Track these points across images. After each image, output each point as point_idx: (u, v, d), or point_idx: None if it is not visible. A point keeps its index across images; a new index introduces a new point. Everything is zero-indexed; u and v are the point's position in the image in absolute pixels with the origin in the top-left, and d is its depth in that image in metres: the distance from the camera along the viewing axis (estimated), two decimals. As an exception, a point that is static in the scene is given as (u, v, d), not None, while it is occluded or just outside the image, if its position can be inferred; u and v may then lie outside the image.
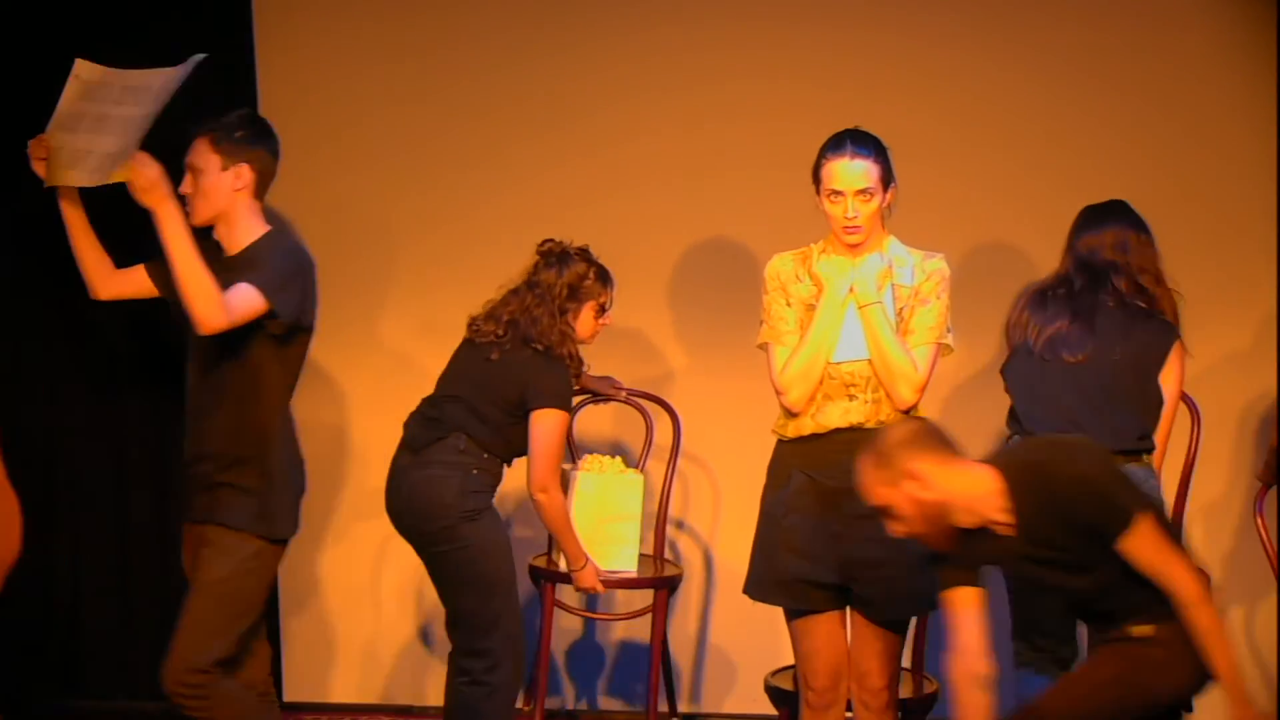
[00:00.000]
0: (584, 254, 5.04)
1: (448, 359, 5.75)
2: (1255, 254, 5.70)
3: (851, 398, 4.22)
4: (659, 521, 5.60)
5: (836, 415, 4.23)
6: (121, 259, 4.72)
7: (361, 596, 6.17)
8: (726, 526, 5.98)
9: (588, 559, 5.08)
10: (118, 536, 6.17)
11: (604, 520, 5.21)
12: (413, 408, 5.64)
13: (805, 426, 4.26)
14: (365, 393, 6.13)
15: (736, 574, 5.69)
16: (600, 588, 5.15)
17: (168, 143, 5.96)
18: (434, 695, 5.92)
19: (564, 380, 4.94)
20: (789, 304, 4.30)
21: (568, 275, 4.98)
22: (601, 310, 5.03)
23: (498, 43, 5.98)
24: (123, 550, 6.17)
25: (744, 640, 5.89)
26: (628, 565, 5.23)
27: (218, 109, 5.96)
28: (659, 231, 5.94)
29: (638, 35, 5.92)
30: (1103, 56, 5.77)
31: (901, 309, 4.26)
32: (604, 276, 5.04)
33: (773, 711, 4.97)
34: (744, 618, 5.61)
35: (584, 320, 5.00)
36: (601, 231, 5.75)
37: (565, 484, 5.17)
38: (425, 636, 6.08)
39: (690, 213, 5.91)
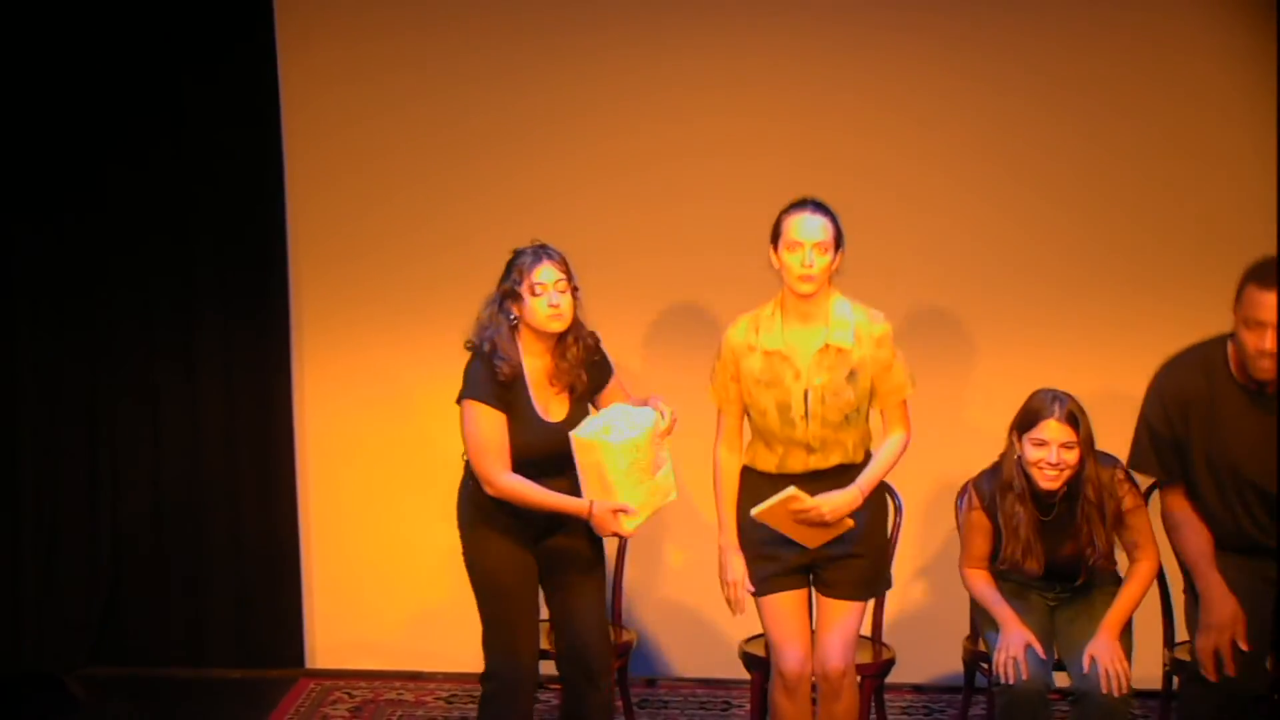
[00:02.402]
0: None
1: (446, 340, 5.79)
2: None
3: (810, 452, 4.70)
4: (614, 586, 5.38)
5: (798, 464, 4.71)
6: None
7: (378, 573, 6.29)
8: (707, 501, 5.93)
9: (592, 503, 4.62)
10: (154, 522, 6.28)
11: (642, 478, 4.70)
12: (428, 387, 5.84)
13: (770, 467, 4.75)
14: (377, 373, 6.23)
15: (711, 544, 5.85)
16: (623, 527, 4.63)
17: (179, 144, 6.12)
18: (438, 662, 6.20)
19: (476, 371, 4.67)
20: (735, 378, 4.72)
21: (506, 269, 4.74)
22: (530, 293, 4.65)
23: (511, 52, 6.06)
24: (158, 529, 6.28)
25: (719, 609, 5.87)
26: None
27: (240, 106, 6.08)
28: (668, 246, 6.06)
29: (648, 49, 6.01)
30: (1081, 89, 5.85)
31: (852, 370, 4.64)
32: (533, 253, 4.68)
33: (745, 676, 5.16)
34: (715, 590, 5.75)
35: (529, 308, 4.66)
36: (608, 241, 6.00)
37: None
38: (429, 608, 6.20)
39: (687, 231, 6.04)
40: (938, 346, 5.93)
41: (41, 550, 6.23)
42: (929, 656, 5.93)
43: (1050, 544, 4.70)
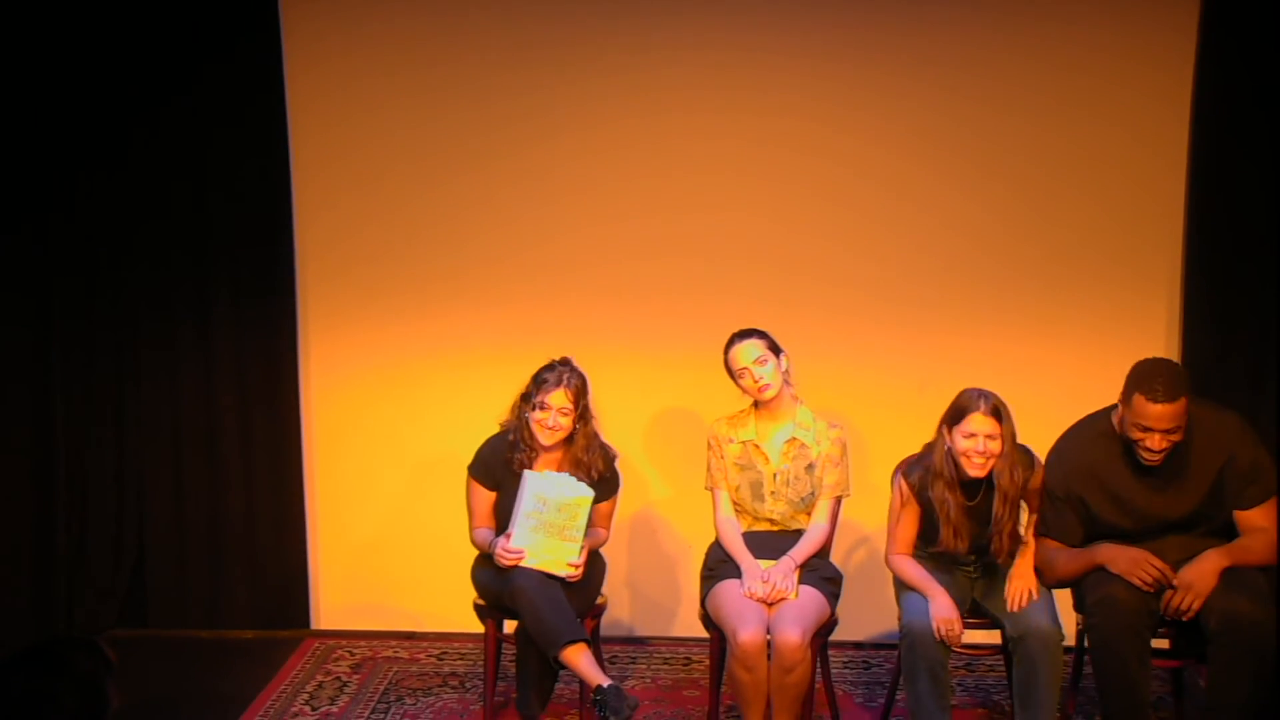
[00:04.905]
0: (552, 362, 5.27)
1: (444, 321, 6.15)
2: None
3: (774, 525, 5.32)
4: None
5: (763, 528, 5.32)
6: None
7: (377, 543, 6.45)
8: (667, 476, 6.31)
9: (498, 538, 5.16)
10: (175, 497, 6.45)
11: (551, 533, 5.15)
12: (425, 369, 6.11)
13: (742, 530, 5.35)
14: (377, 355, 6.37)
15: (678, 518, 6.17)
16: (501, 556, 5.11)
17: (186, 144, 6.17)
18: (430, 623, 6.38)
19: (484, 449, 5.29)
20: (722, 457, 5.35)
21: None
22: (538, 407, 5.20)
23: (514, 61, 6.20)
24: (179, 507, 6.45)
25: (681, 574, 6.23)
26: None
27: (245, 106, 6.11)
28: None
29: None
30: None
31: (811, 463, 5.28)
32: (555, 376, 5.19)
33: (705, 635, 5.34)
34: (679, 556, 6.14)
35: (534, 417, 5.21)
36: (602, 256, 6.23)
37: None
38: (422, 574, 6.37)
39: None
40: (915, 323, 6.31)
41: (75, 522, 6.38)
42: (868, 616, 6.16)
43: (975, 525, 5.13)
